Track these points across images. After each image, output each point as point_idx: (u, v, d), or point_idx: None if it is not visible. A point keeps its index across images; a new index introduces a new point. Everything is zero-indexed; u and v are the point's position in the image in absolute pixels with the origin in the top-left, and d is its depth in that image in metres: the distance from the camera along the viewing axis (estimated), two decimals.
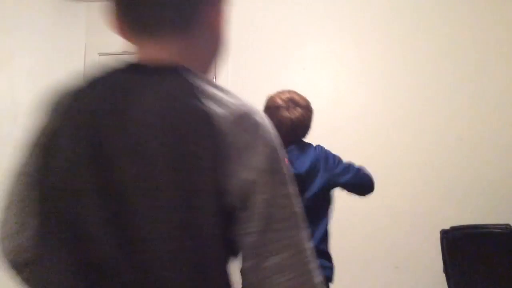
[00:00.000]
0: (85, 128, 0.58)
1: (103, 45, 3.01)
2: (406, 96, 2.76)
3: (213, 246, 0.57)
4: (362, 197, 1.99)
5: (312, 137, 2.75)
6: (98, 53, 3.00)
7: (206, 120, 0.55)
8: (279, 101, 1.90)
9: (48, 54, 2.89)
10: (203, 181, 0.55)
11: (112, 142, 0.57)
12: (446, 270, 2.25)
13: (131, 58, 0.66)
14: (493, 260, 2.16)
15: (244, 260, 0.59)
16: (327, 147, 2.78)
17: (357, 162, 2.76)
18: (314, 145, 1.99)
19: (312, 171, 1.84)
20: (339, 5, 2.89)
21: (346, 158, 2.77)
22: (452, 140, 2.68)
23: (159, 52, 0.63)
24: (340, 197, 2.74)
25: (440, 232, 2.29)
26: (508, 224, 2.20)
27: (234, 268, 0.63)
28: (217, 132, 0.55)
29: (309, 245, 0.60)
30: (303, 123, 1.93)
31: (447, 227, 2.30)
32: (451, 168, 2.66)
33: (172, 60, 0.62)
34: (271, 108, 1.89)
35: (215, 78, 2.90)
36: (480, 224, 2.31)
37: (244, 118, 0.59)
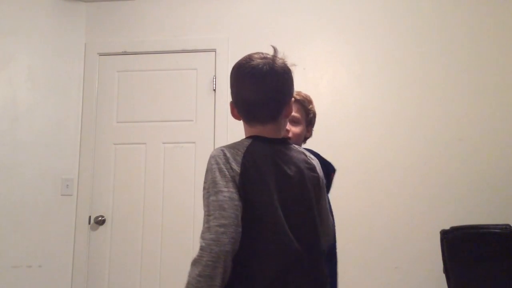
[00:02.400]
0: (272, 167, 1.10)
1: (103, 45, 3.01)
2: (406, 96, 2.76)
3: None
4: None
5: (312, 138, 2.75)
6: (98, 53, 3.00)
7: (314, 167, 1.19)
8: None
9: (48, 54, 2.89)
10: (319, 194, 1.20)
11: (284, 175, 1.11)
12: (446, 270, 2.25)
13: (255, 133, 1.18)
14: (493, 260, 2.16)
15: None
16: (327, 147, 2.77)
17: (357, 162, 2.77)
18: None
19: None
20: (339, 6, 2.90)
21: (346, 158, 2.77)
22: (452, 140, 2.68)
23: (266, 130, 1.16)
24: (340, 197, 2.74)
25: (440, 232, 2.29)
26: (508, 224, 2.20)
27: None
28: (317, 171, 1.20)
29: None
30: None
31: (447, 227, 2.30)
32: (451, 168, 2.66)
33: (275, 133, 1.17)
34: None
35: (215, 78, 2.90)
36: (480, 224, 2.31)
37: (319, 166, 1.21)
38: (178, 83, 2.93)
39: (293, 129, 1.62)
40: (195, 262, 0.98)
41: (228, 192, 1.02)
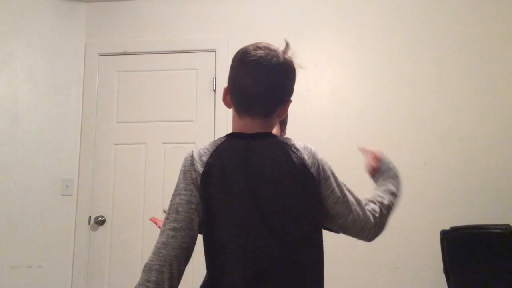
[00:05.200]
0: (241, 166, 1.01)
1: (103, 45, 3.01)
2: (406, 96, 2.76)
3: (318, 228, 1.05)
4: None
5: (312, 138, 2.76)
6: (98, 53, 3.00)
7: (300, 158, 1.03)
8: None
9: (48, 54, 2.89)
10: (310, 190, 1.04)
11: (256, 173, 1.01)
12: (446, 270, 2.25)
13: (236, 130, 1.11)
14: (493, 260, 2.16)
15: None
16: (327, 147, 2.78)
17: (357, 162, 2.76)
18: None
19: None
20: (339, 6, 2.90)
21: (345, 158, 2.77)
22: (452, 140, 2.68)
23: (253, 124, 1.07)
24: None
25: (440, 232, 2.29)
26: (508, 225, 2.20)
27: None
28: (306, 166, 1.03)
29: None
30: None
31: (447, 227, 2.30)
32: (451, 169, 2.66)
33: (262, 129, 1.08)
34: None
35: (215, 78, 2.90)
36: (480, 225, 2.31)
37: (312, 154, 1.06)
38: (178, 83, 2.93)
39: None
40: (146, 267, 0.96)
41: (186, 195, 0.99)
